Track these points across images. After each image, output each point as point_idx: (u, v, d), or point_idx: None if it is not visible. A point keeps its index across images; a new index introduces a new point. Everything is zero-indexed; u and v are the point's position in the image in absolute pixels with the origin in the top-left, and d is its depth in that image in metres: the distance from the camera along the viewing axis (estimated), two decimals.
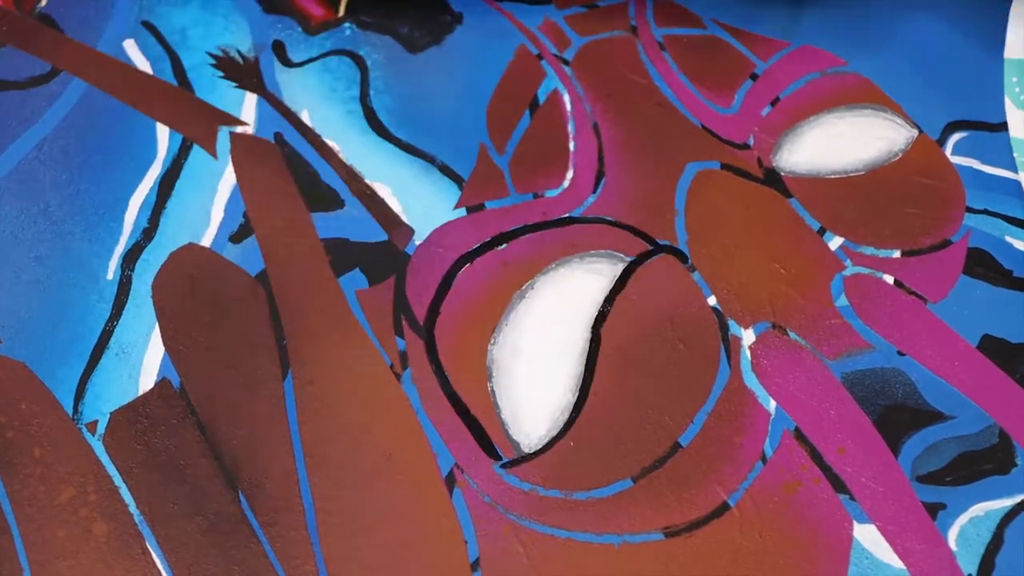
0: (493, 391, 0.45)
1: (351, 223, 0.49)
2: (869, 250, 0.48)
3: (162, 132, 0.51)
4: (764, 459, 0.44)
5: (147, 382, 0.46)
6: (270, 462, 0.44)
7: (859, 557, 0.42)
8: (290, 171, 0.50)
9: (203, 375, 0.46)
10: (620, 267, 0.48)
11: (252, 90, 0.52)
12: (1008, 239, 0.48)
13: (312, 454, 0.44)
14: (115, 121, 0.51)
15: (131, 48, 0.54)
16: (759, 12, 0.54)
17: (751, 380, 0.45)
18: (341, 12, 0.55)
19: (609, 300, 0.47)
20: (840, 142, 0.51)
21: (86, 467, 0.44)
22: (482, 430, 0.45)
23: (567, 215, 0.49)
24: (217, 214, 0.49)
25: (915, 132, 0.51)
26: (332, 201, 0.50)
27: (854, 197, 0.49)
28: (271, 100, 0.52)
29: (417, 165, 0.50)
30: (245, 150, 0.51)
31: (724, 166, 0.50)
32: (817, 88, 0.52)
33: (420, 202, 0.49)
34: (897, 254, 0.48)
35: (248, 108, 0.52)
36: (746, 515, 0.43)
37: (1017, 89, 0.49)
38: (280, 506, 0.43)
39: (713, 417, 0.45)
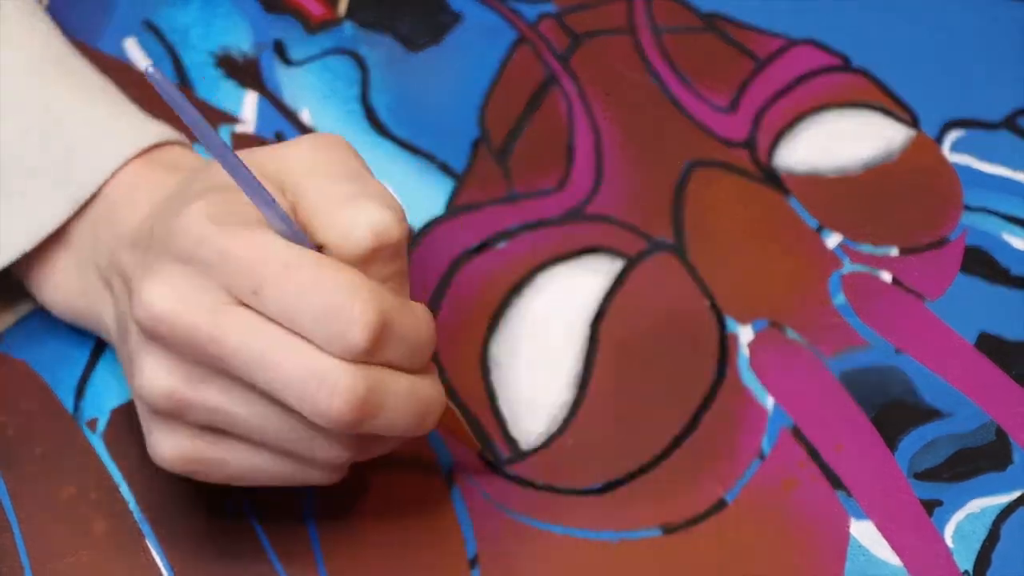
0: (492, 389, 0.45)
1: None
2: (867, 248, 0.48)
3: None
4: (762, 456, 0.44)
5: None
6: None
7: (856, 554, 0.42)
8: None
9: None
10: (619, 265, 0.48)
11: (253, 89, 0.52)
12: (1005, 237, 0.48)
13: None
14: None
15: (132, 47, 0.54)
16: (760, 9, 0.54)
17: (749, 378, 0.45)
18: (341, 11, 0.55)
19: (608, 298, 0.47)
20: (838, 140, 0.51)
21: (87, 465, 0.44)
22: (481, 428, 0.45)
23: (566, 213, 0.49)
24: None
25: (913, 130, 0.51)
26: None
27: (852, 195, 0.49)
28: (271, 99, 0.52)
29: (417, 163, 0.50)
30: (246, 149, 0.51)
31: (722, 164, 0.50)
32: (815, 86, 0.52)
33: (419, 200, 0.49)
34: (895, 252, 0.48)
35: (249, 107, 0.52)
36: (744, 512, 0.43)
37: None
38: (280, 504, 0.43)
39: (711, 414, 0.45)
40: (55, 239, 0.44)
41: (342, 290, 0.36)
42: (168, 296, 0.37)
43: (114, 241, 0.42)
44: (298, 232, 0.37)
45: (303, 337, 0.36)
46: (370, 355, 0.36)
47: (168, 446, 0.39)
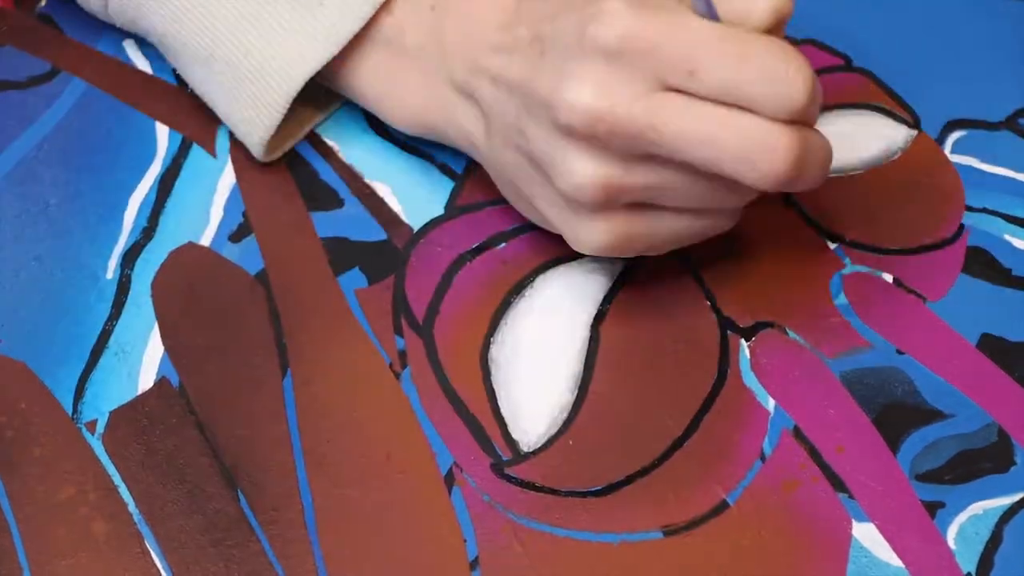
0: (492, 390, 0.45)
1: (350, 222, 0.49)
2: (868, 249, 0.48)
3: (161, 131, 0.51)
4: (763, 458, 0.44)
5: (146, 381, 0.46)
6: (269, 461, 0.44)
7: (858, 555, 0.42)
8: (289, 170, 0.50)
9: (202, 374, 0.46)
10: (619, 265, 0.48)
11: None
12: (1007, 237, 0.48)
13: (311, 453, 0.44)
14: (115, 121, 0.51)
15: (131, 48, 0.54)
16: None
17: (750, 379, 0.45)
18: None
19: (608, 299, 0.47)
20: (839, 141, 0.50)
21: (85, 466, 0.44)
22: (481, 429, 0.45)
23: None
24: (216, 213, 0.49)
25: (914, 131, 0.51)
26: (331, 200, 0.50)
27: (853, 196, 0.49)
28: None
29: (416, 164, 0.50)
30: (244, 149, 0.51)
31: None
32: None
33: (419, 201, 0.49)
34: (896, 253, 0.48)
35: None
36: (745, 514, 0.43)
37: None
38: (279, 505, 0.43)
39: (712, 416, 0.45)
40: (398, 57, 0.46)
41: (776, 54, 0.39)
42: (598, 94, 0.39)
43: (471, 50, 0.44)
44: (715, 11, 0.39)
45: (739, 108, 0.39)
46: (804, 112, 0.39)
47: (599, 233, 0.42)
